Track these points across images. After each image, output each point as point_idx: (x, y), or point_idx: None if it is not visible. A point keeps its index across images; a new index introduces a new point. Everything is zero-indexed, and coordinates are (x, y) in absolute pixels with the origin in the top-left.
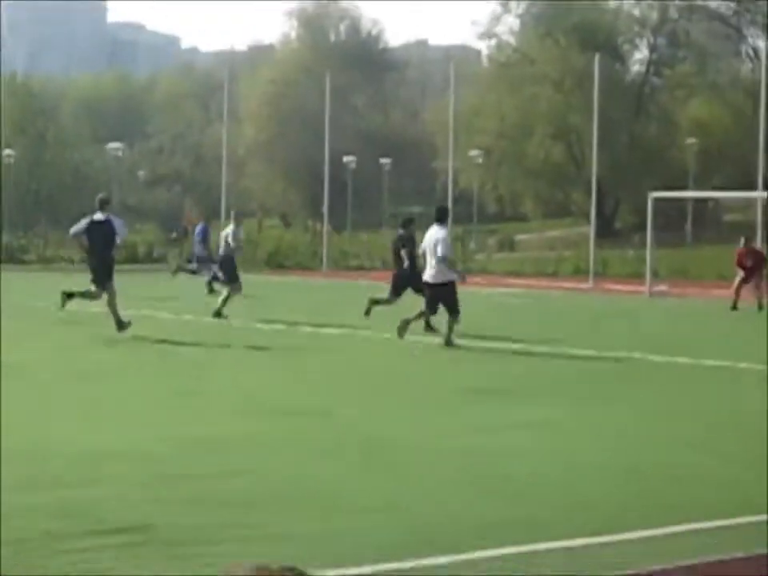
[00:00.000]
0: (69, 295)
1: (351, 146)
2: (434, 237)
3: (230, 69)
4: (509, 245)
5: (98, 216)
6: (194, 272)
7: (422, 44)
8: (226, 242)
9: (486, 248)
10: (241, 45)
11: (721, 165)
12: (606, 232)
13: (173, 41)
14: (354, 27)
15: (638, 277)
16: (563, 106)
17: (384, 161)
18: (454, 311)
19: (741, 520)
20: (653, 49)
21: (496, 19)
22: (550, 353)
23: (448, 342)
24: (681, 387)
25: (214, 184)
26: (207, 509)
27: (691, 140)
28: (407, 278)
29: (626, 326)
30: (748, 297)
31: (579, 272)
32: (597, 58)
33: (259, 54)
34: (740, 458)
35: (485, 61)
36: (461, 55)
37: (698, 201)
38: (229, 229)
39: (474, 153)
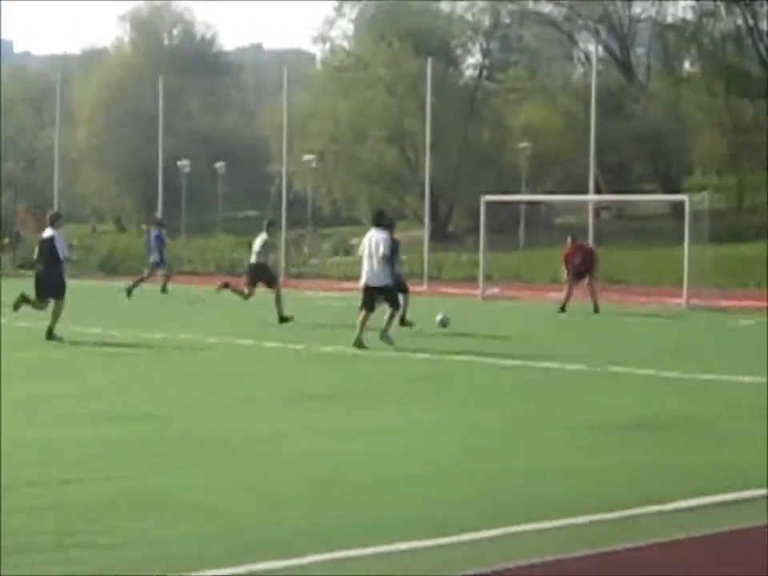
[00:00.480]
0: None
1: (185, 149)
2: (374, 239)
3: (63, 73)
4: (343, 249)
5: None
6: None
7: (257, 48)
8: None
9: (320, 252)
10: (74, 48)
11: (553, 168)
12: (439, 235)
13: (5, 44)
14: (188, 31)
15: (471, 280)
16: (397, 110)
17: (218, 165)
18: (395, 304)
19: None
20: (485, 53)
21: (329, 23)
22: (388, 357)
23: (385, 336)
24: (512, 390)
25: (47, 188)
26: (44, 516)
27: (524, 144)
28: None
29: (459, 330)
30: (584, 297)
31: (413, 275)
32: (429, 62)
33: (93, 57)
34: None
35: (319, 65)
36: (295, 59)
37: (530, 204)
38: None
39: (307, 157)
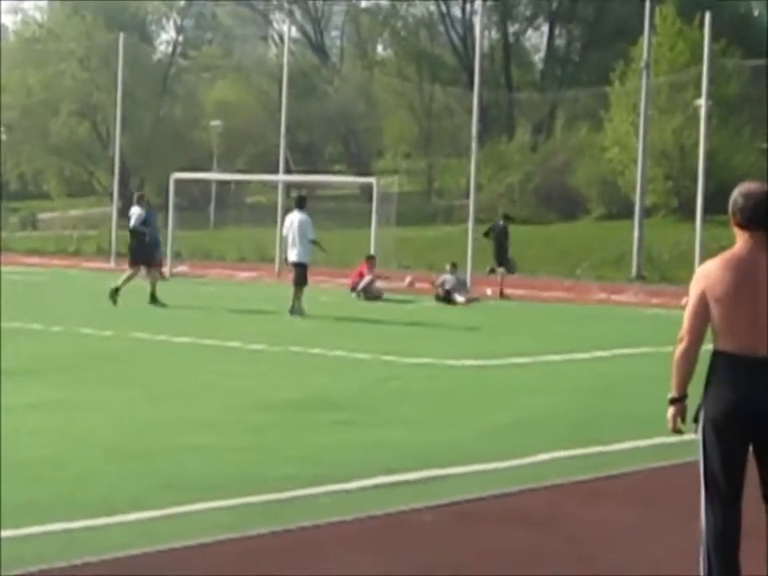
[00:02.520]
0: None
1: None
2: (296, 220)
3: None
4: (31, 223)
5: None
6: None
7: None
8: None
9: (8, 226)
10: None
11: (245, 147)
12: (128, 211)
13: None
14: None
15: None
16: (89, 84)
17: None
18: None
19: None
20: (179, 30)
21: None
22: (65, 332)
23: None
24: (195, 367)
25: None
26: None
27: (216, 122)
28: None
29: (147, 307)
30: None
31: (101, 252)
32: (122, 36)
33: None
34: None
35: (11, 36)
36: None
37: (221, 183)
38: None
39: None
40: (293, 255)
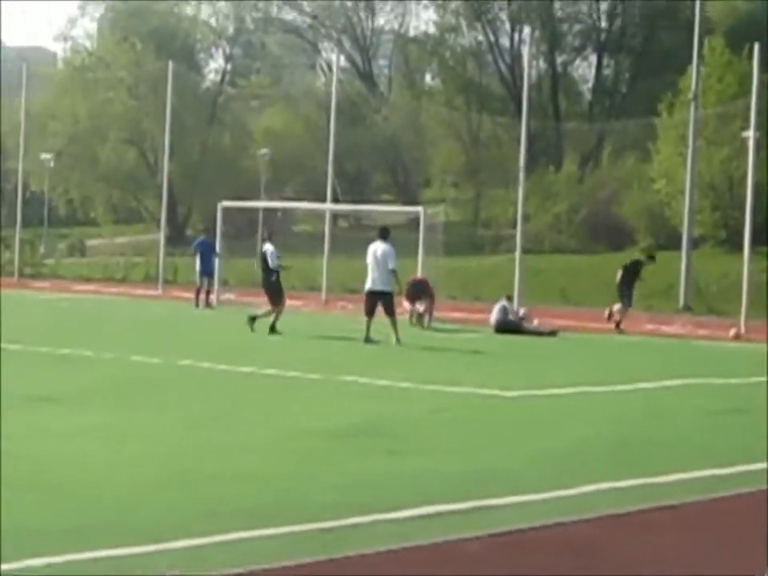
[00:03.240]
0: (253, 319)
1: None
2: (379, 251)
3: None
4: (79, 250)
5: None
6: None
7: None
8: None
9: (55, 252)
10: None
11: (292, 175)
12: (176, 239)
13: None
14: None
15: None
16: (137, 112)
17: None
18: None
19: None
20: (228, 58)
21: (72, 22)
22: (114, 359)
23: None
24: (240, 395)
25: None
26: None
27: (264, 150)
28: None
29: (193, 334)
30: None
31: (149, 278)
32: (171, 64)
33: None
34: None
35: (60, 63)
36: (35, 57)
37: (268, 210)
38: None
39: (45, 156)
40: (373, 284)
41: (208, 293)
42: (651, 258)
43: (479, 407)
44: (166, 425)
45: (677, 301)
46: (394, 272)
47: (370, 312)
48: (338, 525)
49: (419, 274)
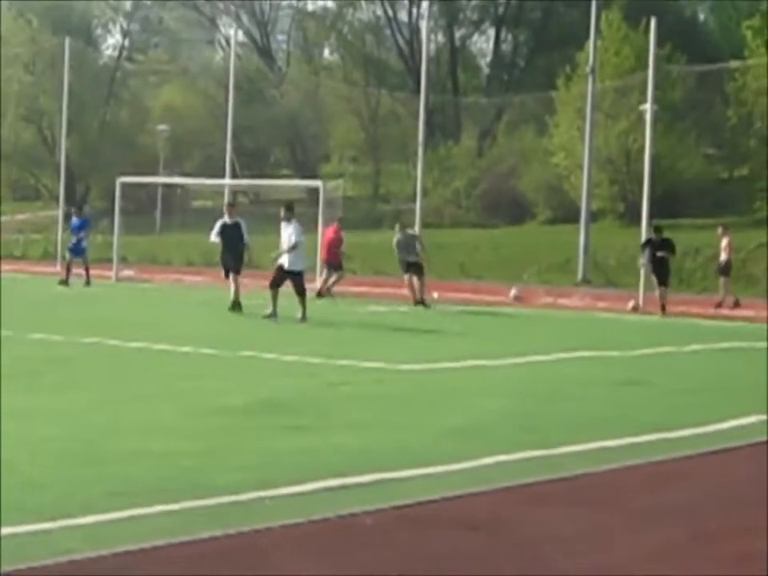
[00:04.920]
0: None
1: None
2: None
3: None
4: None
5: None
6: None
7: None
8: None
9: None
10: None
11: (191, 151)
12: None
13: None
14: None
15: (106, 261)
16: (35, 89)
17: None
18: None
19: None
20: (126, 34)
21: None
22: (11, 337)
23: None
24: (145, 371)
25: None
26: None
27: (163, 126)
28: None
29: (92, 311)
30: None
31: (48, 256)
32: (68, 40)
33: None
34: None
35: None
36: None
37: (167, 187)
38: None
39: None
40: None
41: (87, 269)
42: (657, 230)
43: (380, 382)
44: (69, 404)
45: (575, 274)
46: (296, 246)
47: (277, 285)
48: (241, 500)
49: (318, 249)
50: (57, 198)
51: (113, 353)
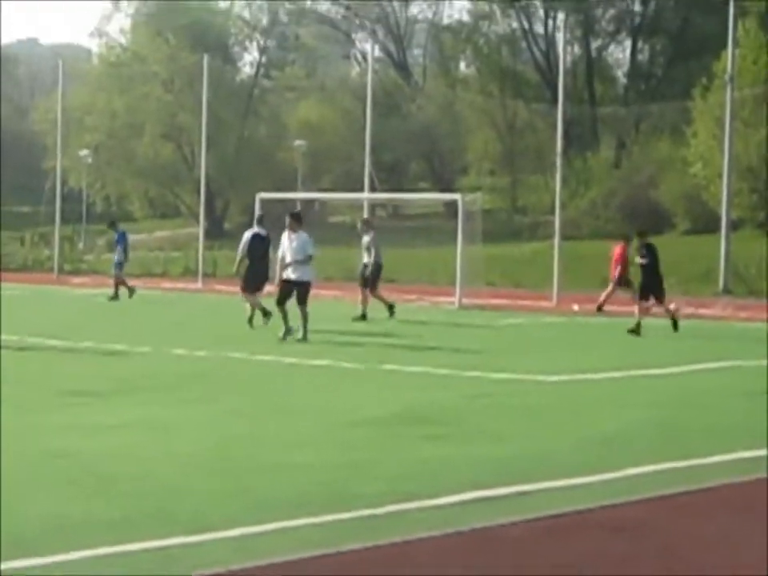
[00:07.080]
0: (265, 313)
1: None
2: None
3: None
4: None
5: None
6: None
7: (33, 42)
8: None
9: (94, 248)
10: None
11: (329, 166)
12: (215, 233)
13: None
14: None
15: None
16: (173, 106)
17: None
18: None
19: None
20: (263, 51)
21: (106, 18)
22: (151, 353)
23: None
24: (283, 385)
25: None
26: None
27: (300, 142)
28: None
29: (231, 328)
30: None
31: (188, 273)
32: (206, 58)
33: None
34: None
35: (95, 59)
36: (70, 53)
37: (305, 202)
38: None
39: (83, 152)
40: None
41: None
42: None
43: (521, 393)
44: (211, 417)
45: (716, 284)
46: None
47: (284, 301)
48: (384, 512)
49: (458, 263)
50: (196, 216)
51: (254, 367)
